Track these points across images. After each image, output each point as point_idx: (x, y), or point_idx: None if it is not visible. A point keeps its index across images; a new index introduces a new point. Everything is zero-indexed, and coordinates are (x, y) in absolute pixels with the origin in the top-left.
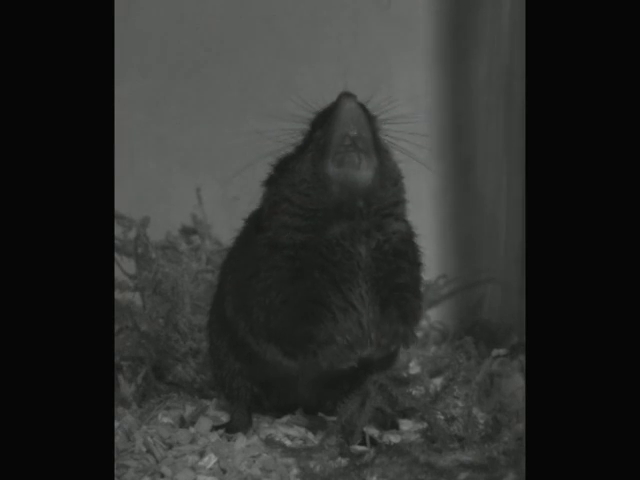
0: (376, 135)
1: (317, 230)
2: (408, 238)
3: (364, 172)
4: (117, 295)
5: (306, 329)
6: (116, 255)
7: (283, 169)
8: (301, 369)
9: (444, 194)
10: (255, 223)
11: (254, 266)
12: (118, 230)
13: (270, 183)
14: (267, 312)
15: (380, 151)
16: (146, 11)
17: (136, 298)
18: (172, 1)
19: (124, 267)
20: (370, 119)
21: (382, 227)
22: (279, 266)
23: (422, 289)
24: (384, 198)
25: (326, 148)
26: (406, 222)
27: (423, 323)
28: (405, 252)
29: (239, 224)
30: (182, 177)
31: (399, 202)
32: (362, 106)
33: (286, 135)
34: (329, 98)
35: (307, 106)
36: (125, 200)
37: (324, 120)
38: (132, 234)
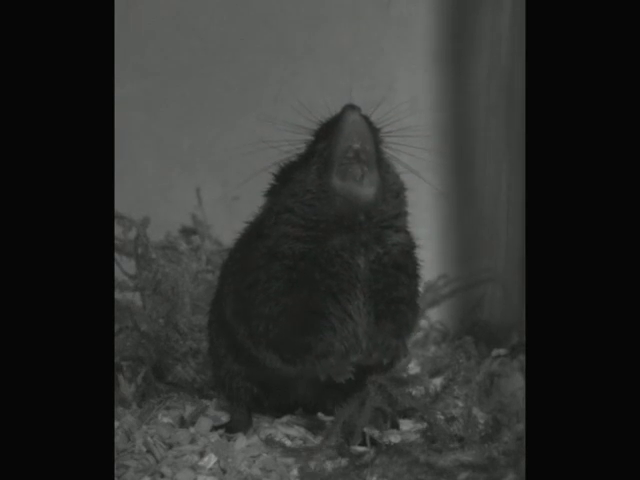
0: (379, 148)
1: (317, 241)
2: (408, 250)
3: (367, 188)
4: (117, 295)
5: (305, 340)
6: (116, 255)
7: (286, 179)
8: (300, 373)
9: (444, 194)
10: (256, 231)
11: (254, 275)
12: (118, 230)
13: (272, 193)
14: (266, 322)
15: (382, 163)
16: (146, 11)
17: (136, 298)
18: (172, 1)
19: (124, 267)
20: (373, 132)
21: (381, 239)
22: (278, 276)
23: (418, 302)
24: (385, 211)
25: (330, 160)
26: (406, 233)
27: (423, 323)
28: (404, 265)
29: (239, 224)
30: (182, 177)
31: (400, 214)
32: (366, 118)
33: (289, 145)
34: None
35: (308, 114)
36: (125, 200)
37: (328, 132)
38: (132, 234)
